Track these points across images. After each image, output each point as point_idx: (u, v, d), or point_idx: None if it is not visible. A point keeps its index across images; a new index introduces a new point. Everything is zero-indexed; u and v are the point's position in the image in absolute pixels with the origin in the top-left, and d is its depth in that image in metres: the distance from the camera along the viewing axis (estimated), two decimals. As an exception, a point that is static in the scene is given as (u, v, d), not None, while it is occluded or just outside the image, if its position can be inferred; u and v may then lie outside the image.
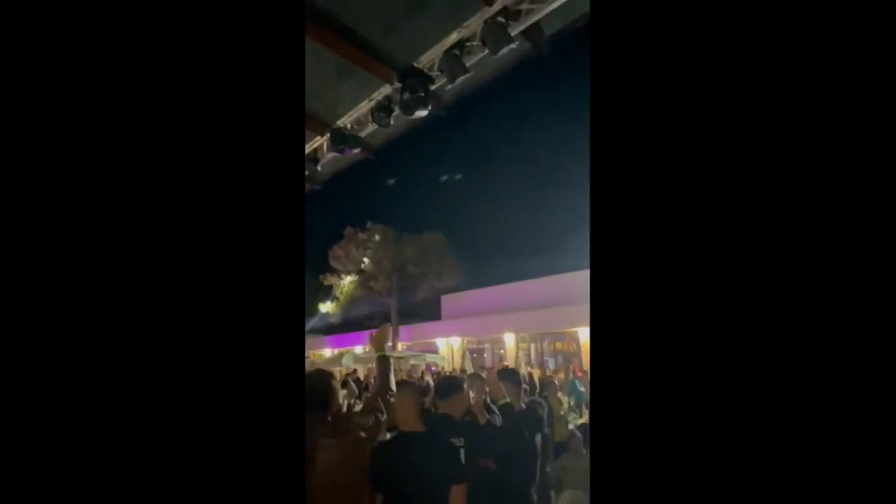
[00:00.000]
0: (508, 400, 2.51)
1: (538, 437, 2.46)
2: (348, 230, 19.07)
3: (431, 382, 4.66)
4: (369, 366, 11.47)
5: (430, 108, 2.78)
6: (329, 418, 1.69)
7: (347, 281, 18.93)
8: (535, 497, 2.38)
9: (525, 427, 2.38)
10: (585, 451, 3.95)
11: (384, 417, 1.77)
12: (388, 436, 1.85)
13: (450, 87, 2.70)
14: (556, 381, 5.70)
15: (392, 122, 3.08)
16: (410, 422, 1.85)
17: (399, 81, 2.78)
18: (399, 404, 1.85)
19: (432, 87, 2.81)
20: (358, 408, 2.15)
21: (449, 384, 2.12)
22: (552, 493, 3.87)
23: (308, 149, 3.88)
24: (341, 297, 19.13)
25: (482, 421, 2.17)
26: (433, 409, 2.18)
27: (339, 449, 1.59)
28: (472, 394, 2.40)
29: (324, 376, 1.76)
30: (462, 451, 1.86)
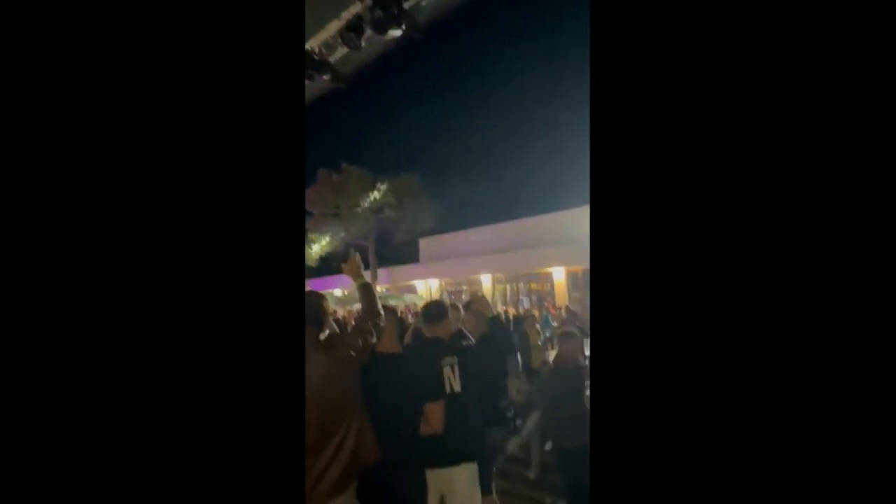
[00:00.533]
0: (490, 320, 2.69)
1: (509, 359, 2.64)
2: (322, 171, 18.46)
3: (411, 320, 4.79)
4: (348, 307, 11.61)
5: (403, 27, 2.60)
6: (321, 337, 1.74)
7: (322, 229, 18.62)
8: (506, 414, 2.57)
9: (497, 348, 2.56)
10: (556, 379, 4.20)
11: (373, 339, 1.82)
12: None
13: (425, 2, 2.52)
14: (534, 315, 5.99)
15: (363, 44, 2.89)
16: (388, 344, 1.91)
17: (370, -3, 2.58)
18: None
19: (406, 5, 2.62)
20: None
21: (437, 309, 2.17)
22: (520, 414, 4.15)
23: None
24: (320, 243, 18.91)
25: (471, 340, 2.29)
26: (422, 334, 2.25)
27: (329, 366, 1.65)
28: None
29: (316, 297, 1.80)
30: (453, 368, 1.94)
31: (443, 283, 16.47)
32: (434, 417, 1.84)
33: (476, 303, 2.88)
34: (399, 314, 2.14)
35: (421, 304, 14.07)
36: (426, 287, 16.50)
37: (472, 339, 2.31)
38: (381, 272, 18.09)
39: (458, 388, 1.93)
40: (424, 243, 18.36)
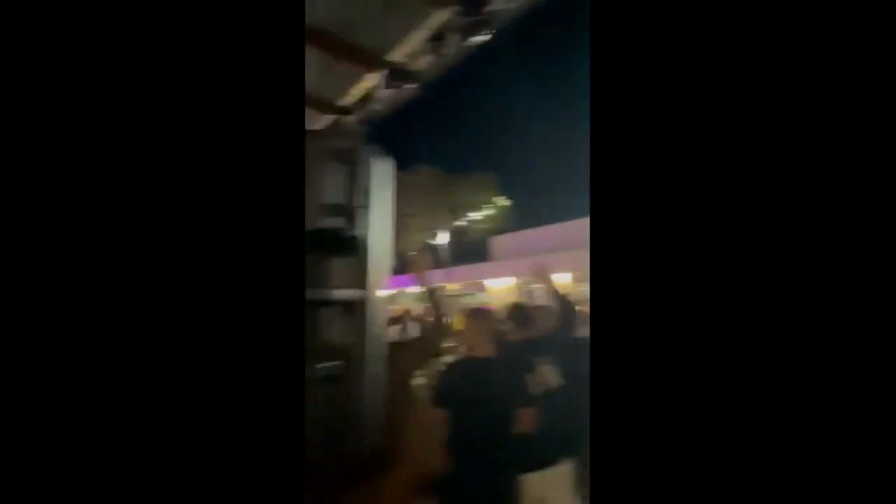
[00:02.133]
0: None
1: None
2: (398, 173, 19.10)
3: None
4: (425, 304, 11.90)
5: (490, 32, 2.63)
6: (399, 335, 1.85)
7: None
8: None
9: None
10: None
11: (442, 339, 1.89)
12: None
13: (508, 6, 2.53)
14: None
15: (448, 50, 2.96)
16: (480, 348, 1.94)
17: (458, 3, 2.63)
18: (468, 331, 1.94)
19: (490, 9, 2.65)
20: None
21: (524, 312, 2.19)
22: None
23: (360, 87, 3.84)
24: (398, 243, 19.57)
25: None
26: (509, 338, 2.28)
27: (405, 362, 1.73)
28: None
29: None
30: (549, 367, 1.95)
31: (519, 281, 16.27)
32: (528, 421, 1.85)
33: (554, 295, 2.83)
34: (489, 316, 2.16)
35: (493, 301, 14.05)
36: (499, 286, 16.43)
37: (563, 334, 2.29)
38: (454, 270, 18.32)
39: (555, 384, 1.93)
40: (497, 241, 18.28)
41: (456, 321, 4.59)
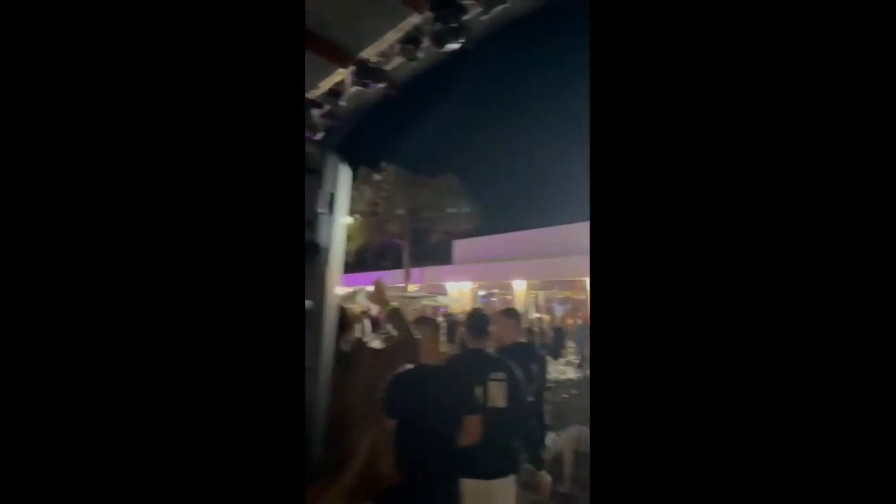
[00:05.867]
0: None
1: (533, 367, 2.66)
2: (362, 170, 18.86)
3: (444, 322, 4.84)
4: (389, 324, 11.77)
5: (462, 40, 2.64)
6: (343, 345, 1.80)
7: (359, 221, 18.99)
8: (534, 428, 2.58)
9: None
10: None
11: (410, 352, 1.87)
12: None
13: (484, 17, 2.55)
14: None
15: (420, 54, 2.95)
16: (427, 356, 1.94)
17: (431, 10, 2.63)
18: (419, 339, 1.93)
19: (465, 18, 2.66)
20: (373, 343, 2.25)
21: (482, 321, 2.19)
22: (552, 428, 4.12)
23: (331, 82, 3.76)
24: (354, 238, 19.29)
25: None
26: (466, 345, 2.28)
27: (354, 374, 1.69)
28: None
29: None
30: (499, 384, 1.96)
31: (476, 285, 16.45)
32: (473, 429, 1.87)
33: (510, 313, 2.88)
34: (436, 324, 2.15)
35: (453, 306, 14.13)
36: (458, 289, 16.53)
37: (518, 350, 2.33)
38: (415, 272, 18.26)
39: (502, 403, 1.94)
40: (459, 245, 18.40)
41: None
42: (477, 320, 2.20)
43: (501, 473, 1.93)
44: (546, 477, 2.03)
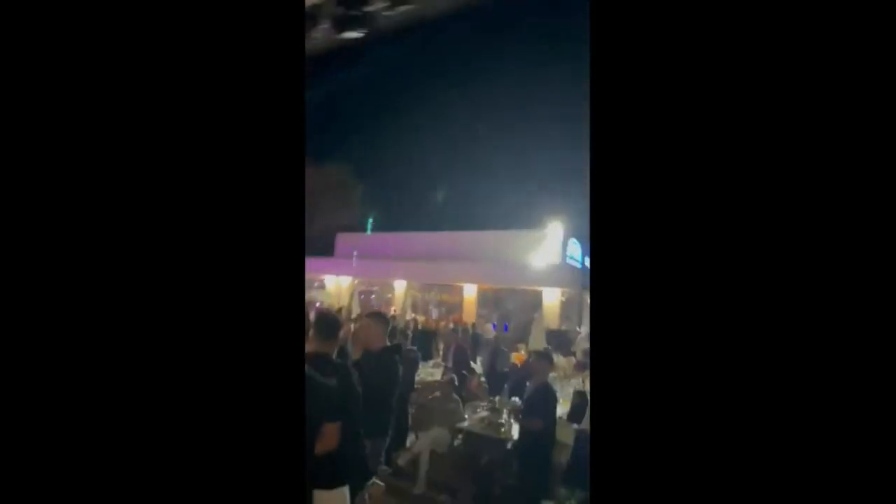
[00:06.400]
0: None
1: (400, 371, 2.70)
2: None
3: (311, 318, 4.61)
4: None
5: (365, 30, 2.55)
6: None
7: None
8: (389, 430, 2.60)
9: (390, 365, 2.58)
10: (455, 396, 4.30)
11: None
12: None
13: (388, 13, 2.50)
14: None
15: (317, 35, 2.77)
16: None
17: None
18: None
19: (369, 9, 2.58)
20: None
21: (332, 325, 2.08)
22: (414, 431, 4.20)
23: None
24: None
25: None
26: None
27: None
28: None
29: None
30: (332, 391, 1.87)
31: (355, 281, 16.11)
32: (330, 437, 1.79)
33: (378, 318, 2.84)
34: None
35: (329, 300, 13.62)
36: (336, 284, 16.02)
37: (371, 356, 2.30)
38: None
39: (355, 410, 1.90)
40: (342, 238, 17.85)
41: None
42: (325, 324, 2.06)
43: (339, 483, 1.87)
44: (380, 485, 2.02)
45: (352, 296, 11.68)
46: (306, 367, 1.79)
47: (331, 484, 1.84)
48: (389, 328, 2.95)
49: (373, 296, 16.10)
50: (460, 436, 4.03)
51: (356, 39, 2.62)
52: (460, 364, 5.47)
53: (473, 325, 8.98)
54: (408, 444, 4.10)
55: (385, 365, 2.51)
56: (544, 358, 3.56)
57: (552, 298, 10.93)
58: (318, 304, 12.38)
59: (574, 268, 11.69)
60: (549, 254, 11.71)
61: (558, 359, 5.68)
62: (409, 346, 4.81)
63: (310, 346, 1.97)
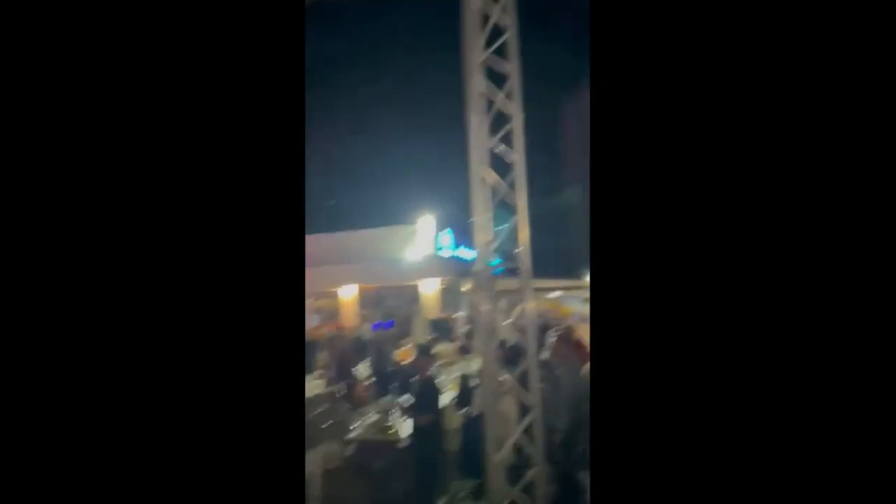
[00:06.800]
0: None
1: None
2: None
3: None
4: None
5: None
6: None
7: None
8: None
9: None
10: (345, 405, 4.15)
11: None
12: None
13: None
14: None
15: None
16: None
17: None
18: None
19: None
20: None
21: None
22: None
23: None
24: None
25: None
26: None
27: None
28: None
29: None
30: None
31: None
32: None
33: None
34: None
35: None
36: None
37: None
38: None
39: None
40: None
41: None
42: None
43: None
44: None
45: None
46: None
47: None
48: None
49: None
50: (351, 446, 3.90)
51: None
52: (344, 371, 5.29)
53: (355, 328, 8.76)
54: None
55: None
56: (424, 352, 3.65)
57: (431, 289, 11.19)
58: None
59: (449, 258, 12.11)
60: (424, 246, 11.94)
61: (443, 346, 5.85)
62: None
63: None
